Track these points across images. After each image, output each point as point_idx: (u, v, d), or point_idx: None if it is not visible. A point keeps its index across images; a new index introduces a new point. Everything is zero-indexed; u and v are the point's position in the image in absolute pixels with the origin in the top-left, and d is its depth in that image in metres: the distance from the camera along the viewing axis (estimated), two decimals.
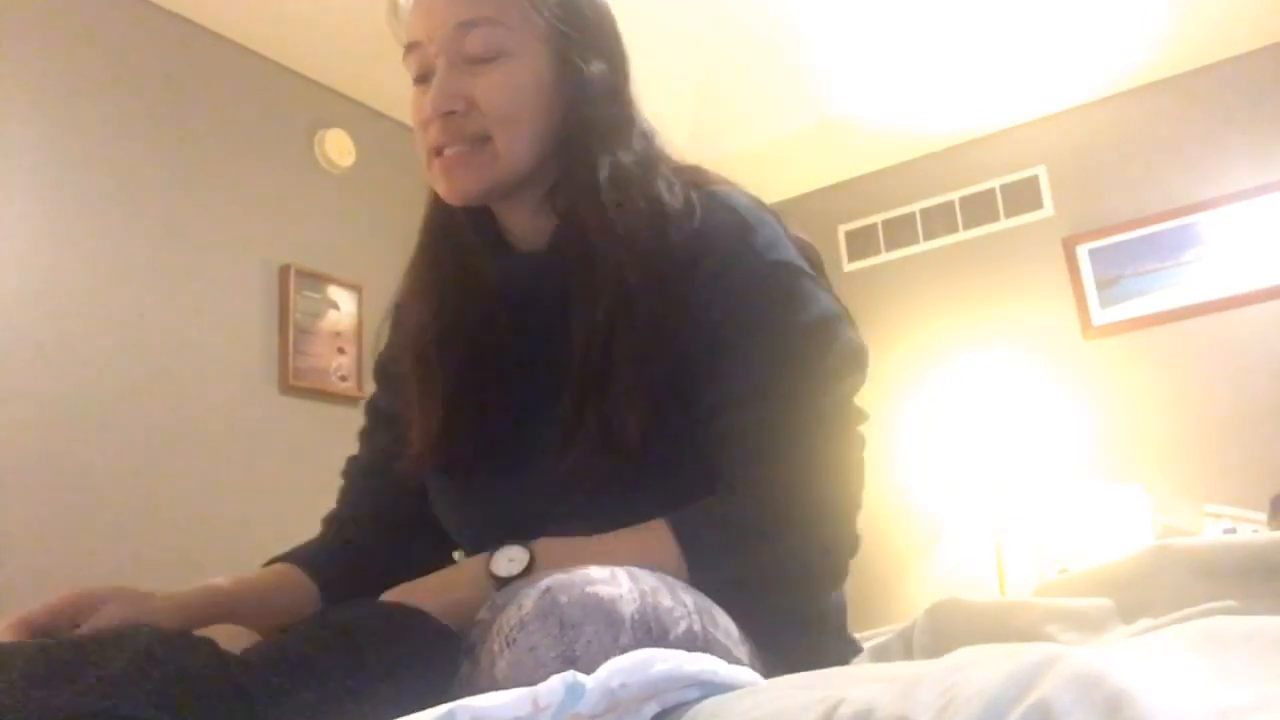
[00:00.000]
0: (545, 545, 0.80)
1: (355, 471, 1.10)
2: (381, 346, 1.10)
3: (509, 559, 0.78)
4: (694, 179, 0.96)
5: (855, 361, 0.90)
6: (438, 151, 0.91)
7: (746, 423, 0.85)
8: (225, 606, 0.92)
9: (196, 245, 2.67)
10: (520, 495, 0.91)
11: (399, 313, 1.06)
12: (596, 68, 0.92)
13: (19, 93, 2.37)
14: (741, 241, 0.89)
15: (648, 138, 0.96)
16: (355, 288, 3.00)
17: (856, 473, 0.89)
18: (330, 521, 1.09)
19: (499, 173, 0.90)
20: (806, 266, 0.92)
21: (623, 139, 0.93)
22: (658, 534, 0.82)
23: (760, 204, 0.95)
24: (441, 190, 0.93)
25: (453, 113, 0.89)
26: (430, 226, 1.00)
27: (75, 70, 2.48)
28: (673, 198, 0.92)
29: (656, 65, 1.04)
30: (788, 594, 0.88)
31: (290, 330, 2.82)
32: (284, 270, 2.85)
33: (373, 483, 1.07)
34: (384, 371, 1.09)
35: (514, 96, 0.89)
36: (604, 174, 0.89)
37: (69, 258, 2.39)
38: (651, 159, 0.94)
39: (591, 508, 0.84)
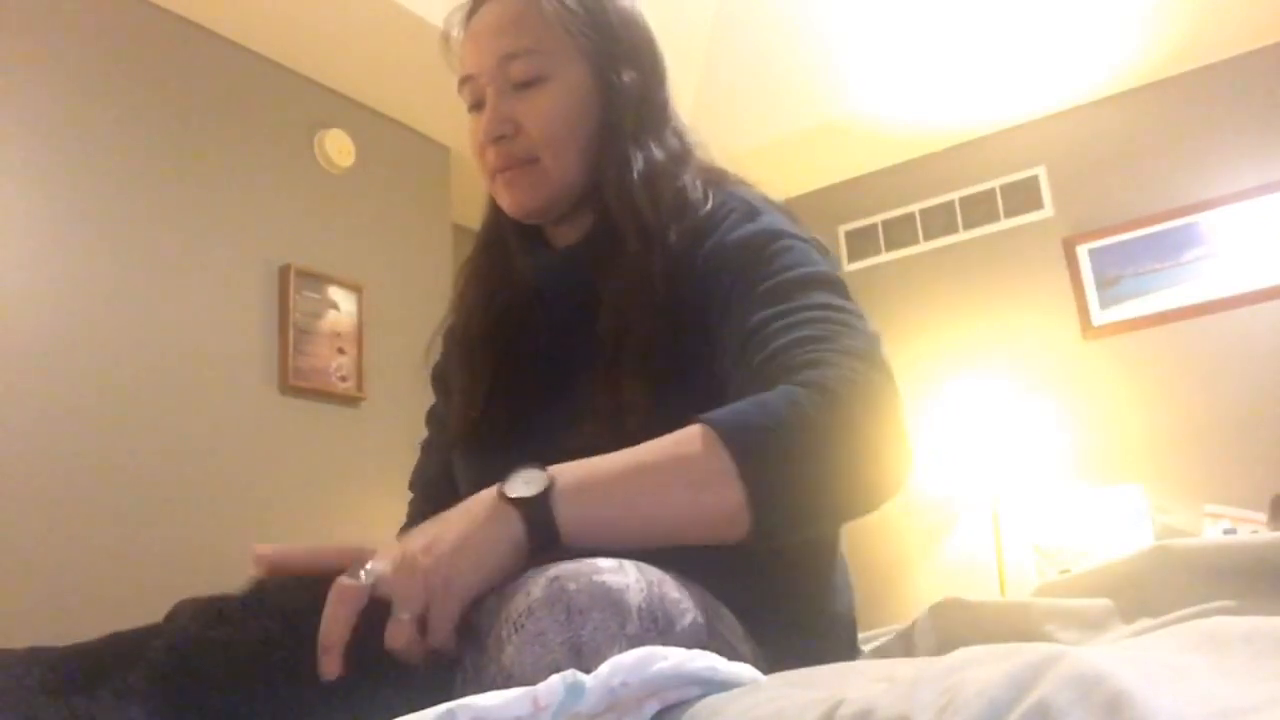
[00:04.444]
0: (561, 466, 0.74)
1: (419, 481, 1.17)
2: (437, 354, 1.15)
3: (524, 481, 0.73)
4: (715, 179, 1.01)
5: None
6: (497, 172, 0.99)
7: (780, 335, 0.82)
8: None
9: (197, 245, 2.67)
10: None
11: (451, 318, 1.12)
12: (628, 76, 0.99)
13: (18, 93, 2.37)
14: (747, 219, 0.94)
15: (680, 135, 1.03)
16: (355, 288, 3.00)
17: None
18: (404, 532, 1.14)
19: (552, 187, 0.98)
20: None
21: (654, 136, 0.99)
22: (688, 430, 0.74)
23: (771, 200, 0.99)
24: (505, 205, 1.01)
25: (503, 136, 0.97)
26: (482, 232, 1.09)
27: (75, 71, 2.48)
28: (694, 193, 0.97)
29: None
30: (853, 473, 0.75)
31: (290, 330, 2.82)
32: (284, 270, 2.85)
33: (440, 489, 1.11)
34: (441, 379, 1.15)
35: (556, 116, 0.97)
36: (638, 169, 0.96)
37: (68, 258, 2.40)
38: (682, 156, 1.01)
39: None
